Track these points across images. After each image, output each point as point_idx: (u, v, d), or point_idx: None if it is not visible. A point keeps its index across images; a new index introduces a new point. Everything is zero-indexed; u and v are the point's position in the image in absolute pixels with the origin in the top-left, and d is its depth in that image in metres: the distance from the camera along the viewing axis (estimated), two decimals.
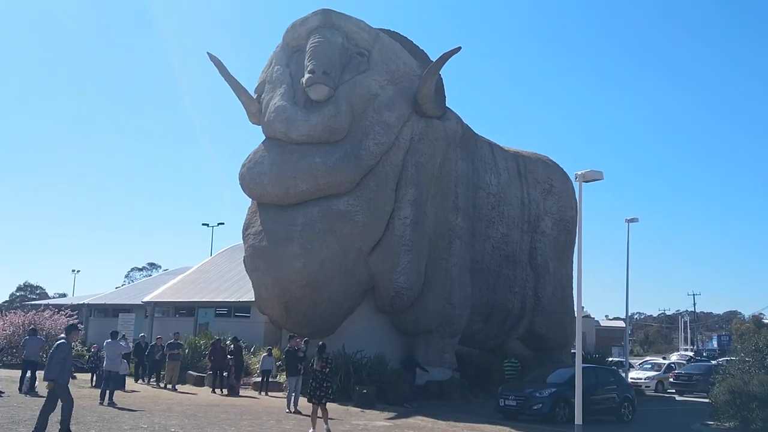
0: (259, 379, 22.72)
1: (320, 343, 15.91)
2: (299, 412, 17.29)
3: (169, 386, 23.01)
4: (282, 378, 22.33)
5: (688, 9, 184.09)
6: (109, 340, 19.41)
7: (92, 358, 24.43)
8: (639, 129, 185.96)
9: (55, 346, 12.05)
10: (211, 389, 22.62)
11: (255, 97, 23.39)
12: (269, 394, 21.85)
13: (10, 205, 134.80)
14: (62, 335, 12.65)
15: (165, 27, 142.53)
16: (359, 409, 18.61)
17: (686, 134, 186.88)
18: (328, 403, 14.57)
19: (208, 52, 23.33)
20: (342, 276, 20.91)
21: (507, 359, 24.79)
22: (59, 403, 11.81)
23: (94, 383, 22.91)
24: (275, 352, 23.54)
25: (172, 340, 24.22)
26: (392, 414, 18.00)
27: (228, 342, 23.87)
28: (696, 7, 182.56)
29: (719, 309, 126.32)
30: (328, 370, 14.87)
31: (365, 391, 19.61)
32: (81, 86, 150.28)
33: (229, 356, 22.83)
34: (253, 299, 23.70)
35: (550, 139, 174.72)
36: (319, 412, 14.35)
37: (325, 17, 22.04)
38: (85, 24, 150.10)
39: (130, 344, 26.40)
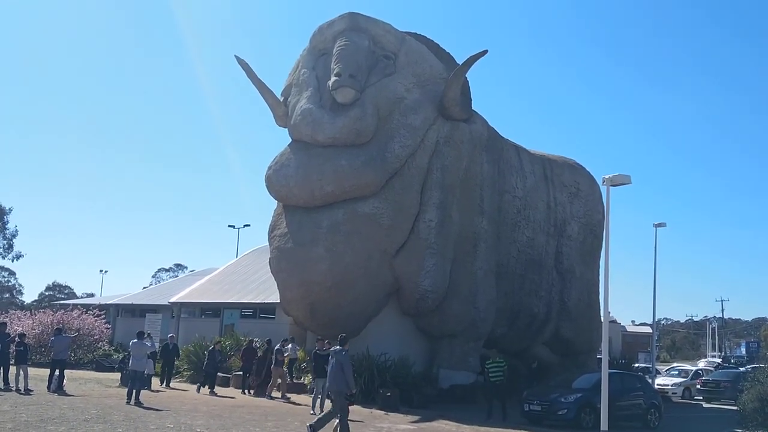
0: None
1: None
2: None
3: (277, 396, 21.17)
4: (307, 380, 22.40)
5: (727, 1, 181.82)
6: (135, 340, 19.60)
7: (125, 359, 24.62)
8: (669, 131, 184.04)
9: None
10: (241, 390, 22.65)
11: (282, 99, 23.52)
12: (291, 396, 21.85)
13: (40, 206, 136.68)
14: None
15: (191, 32, 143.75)
16: (383, 412, 18.58)
17: (717, 133, 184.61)
18: (351, 406, 14.63)
19: (235, 55, 23.52)
20: (367, 278, 20.93)
21: (491, 360, 20.36)
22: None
23: (122, 382, 23.12)
24: (300, 353, 23.60)
25: (278, 346, 21.94)
26: (416, 417, 17.96)
27: (260, 344, 23.85)
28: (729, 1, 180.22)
29: (748, 315, 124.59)
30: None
31: (389, 394, 19.59)
32: (109, 88, 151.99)
33: (256, 358, 22.83)
34: (278, 301, 23.79)
35: (576, 141, 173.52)
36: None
37: (351, 21, 22.10)
38: (111, 31, 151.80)
39: (156, 344, 26.59)
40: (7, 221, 62.06)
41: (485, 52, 22.01)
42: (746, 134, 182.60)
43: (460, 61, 22.77)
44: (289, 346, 24.02)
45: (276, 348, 21.57)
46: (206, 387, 22.29)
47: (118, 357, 30.98)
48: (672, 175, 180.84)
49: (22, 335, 22.37)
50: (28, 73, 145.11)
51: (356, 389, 15.59)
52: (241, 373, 23.23)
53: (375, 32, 22.23)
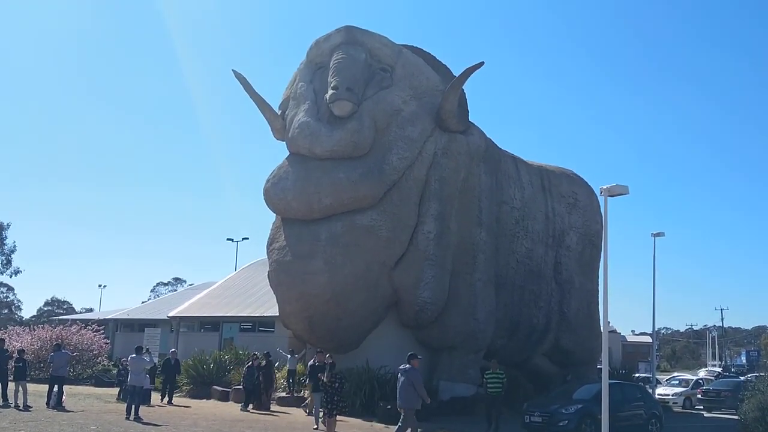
0: (285, 394, 22.69)
1: (330, 361, 16.70)
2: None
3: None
4: (306, 393, 22.34)
5: (718, 20, 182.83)
6: (134, 355, 19.55)
7: (121, 373, 24.54)
8: (665, 141, 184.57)
9: None
10: (242, 404, 22.55)
11: (279, 113, 23.57)
12: (286, 409, 21.78)
13: (38, 222, 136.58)
14: None
15: (186, 48, 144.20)
16: (383, 425, 18.54)
17: (713, 147, 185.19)
18: (351, 418, 14.70)
19: (233, 70, 23.57)
20: (366, 291, 20.91)
21: (490, 371, 19.84)
22: None
23: (121, 397, 23.05)
24: (299, 367, 23.56)
25: (312, 362, 19.94)
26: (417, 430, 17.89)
27: (260, 358, 23.79)
28: (727, 19, 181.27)
29: (747, 324, 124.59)
30: (337, 384, 15.56)
31: (389, 407, 19.51)
32: (105, 105, 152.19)
33: (258, 372, 22.74)
34: (278, 314, 23.77)
35: (574, 153, 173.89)
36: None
37: (348, 34, 22.18)
38: (108, 51, 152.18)
39: (155, 359, 26.50)
40: (6, 237, 62.14)
41: (482, 64, 22.11)
42: (739, 146, 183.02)
43: (456, 73, 22.85)
44: (289, 358, 24.01)
45: (309, 364, 20.33)
46: (251, 405, 21.95)
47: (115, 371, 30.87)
48: (671, 185, 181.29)
49: (21, 351, 22.35)
50: (28, 92, 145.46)
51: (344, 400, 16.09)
52: (240, 387, 23.17)
53: (371, 45, 22.31)
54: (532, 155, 28.67)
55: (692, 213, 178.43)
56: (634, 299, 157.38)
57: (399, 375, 14.79)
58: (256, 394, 22.20)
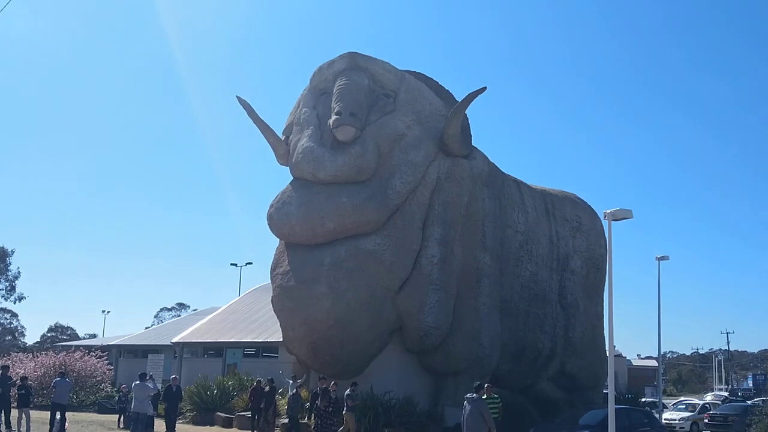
0: (286, 420, 22.50)
1: (324, 386, 16.75)
2: None
3: None
4: (307, 419, 22.19)
5: (718, 49, 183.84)
6: (138, 381, 19.46)
7: (121, 399, 24.42)
8: (668, 165, 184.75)
9: None
10: (250, 431, 22.34)
11: (283, 138, 23.67)
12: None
13: (42, 248, 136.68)
14: None
15: (190, 73, 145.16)
16: None
17: (715, 170, 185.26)
18: None
19: (237, 96, 23.70)
20: (370, 315, 20.82)
21: (485, 396, 18.59)
22: None
23: (122, 425, 22.91)
24: (303, 393, 23.42)
25: (348, 391, 19.66)
26: None
27: (264, 384, 23.68)
28: (726, 47, 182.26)
29: (753, 347, 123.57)
30: (331, 408, 15.69)
31: None
32: (110, 127, 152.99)
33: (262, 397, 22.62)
34: (281, 339, 23.66)
35: (577, 177, 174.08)
36: None
37: (351, 60, 22.33)
38: (111, 76, 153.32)
39: (158, 385, 26.35)
40: (10, 263, 62.31)
41: (484, 89, 22.19)
42: (741, 170, 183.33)
43: (459, 98, 22.93)
44: (290, 382, 23.86)
45: (346, 393, 19.57)
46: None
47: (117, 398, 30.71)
48: (674, 209, 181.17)
49: (24, 378, 22.30)
50: (32, 117, 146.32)
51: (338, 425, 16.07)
52: (244, 413, 23.04)
53: (374, 71, 22.45)
54: (535, 179, 28.68)
55: (696, 237, 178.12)
56: (639, 323, 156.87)
57: (465, 404, 15.00)
58: (260, 418, 22.03)
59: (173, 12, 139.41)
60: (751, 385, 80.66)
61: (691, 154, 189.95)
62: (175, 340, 39.96)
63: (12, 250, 63.31)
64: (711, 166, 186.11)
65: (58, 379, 21.75)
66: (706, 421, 31.47)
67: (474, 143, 23.87)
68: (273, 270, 22.58)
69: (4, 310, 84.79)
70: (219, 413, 25.49)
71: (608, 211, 15.33)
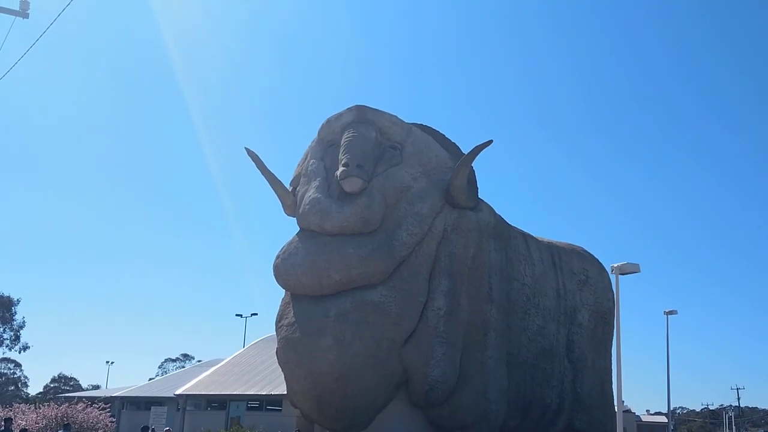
0: None
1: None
2: None
3: None
4: None
5: (728, 100, 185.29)
6: None
7: None
8: (676, 219, 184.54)
9: None
10: None
11: (290, 189, 23.77)
12: None
13: (45, 296, 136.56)
14: None
15: (202, 121, 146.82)
16: None
17: (724, 225, 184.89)
18: None
19: (245, 147, 23.86)
20: (375, 369, 20.59)
21: None
22: None
23: None
24: None
25: None
26: None
27: None
28: (735, 97, 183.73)
29: (764, 404, 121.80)
30: None
31: None
32: (113, 178, 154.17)
33: None
34: (285, 392, 23.39)
35: (585, 230, 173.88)
36: None
37: (359, 113, 22.54)
38: (118, 119, 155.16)
39: None
40: (15, 312, 62.10)
41: (490, 142, 22.33)
42: (749, 224, 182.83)
43: (465, 150, 23.06)
44: None
45: None
46: None
47: None
48: (683, 264, 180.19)
49: (24, 430, 22.02)
50: (36, 164, 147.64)
51: None
52: None
53: (382, 124, 22.64)
54: (540, 232, 28.60)
55: (705, 292, 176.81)
56: (649, 378, 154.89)
57: None
58: None
59: (183, 53, 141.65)
60: None
61: (703, 206, 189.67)
62: (178, 392, 39.56)
63: (18, 299, 63.22)
64: (723, 220, 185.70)
65: (61, 431, 21.49)
66: None
67: (480, 195, 23.92)
68: (278, 321, 22.43)
69: (8, 360, 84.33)
70: None
71: (616, 265, 15.30)
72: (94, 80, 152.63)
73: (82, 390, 76.34)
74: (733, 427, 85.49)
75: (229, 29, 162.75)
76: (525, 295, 25.24)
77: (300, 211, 22.38)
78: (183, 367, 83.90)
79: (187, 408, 39.19)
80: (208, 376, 40.55)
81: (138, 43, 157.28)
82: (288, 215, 23.84)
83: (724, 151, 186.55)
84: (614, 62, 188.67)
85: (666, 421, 51.98)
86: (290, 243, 22.51)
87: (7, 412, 30.68)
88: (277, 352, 22.32)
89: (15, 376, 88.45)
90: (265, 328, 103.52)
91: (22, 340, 63.03)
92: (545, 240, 28.25)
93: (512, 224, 26.13)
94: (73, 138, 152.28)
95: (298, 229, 22.77)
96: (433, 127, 24.84)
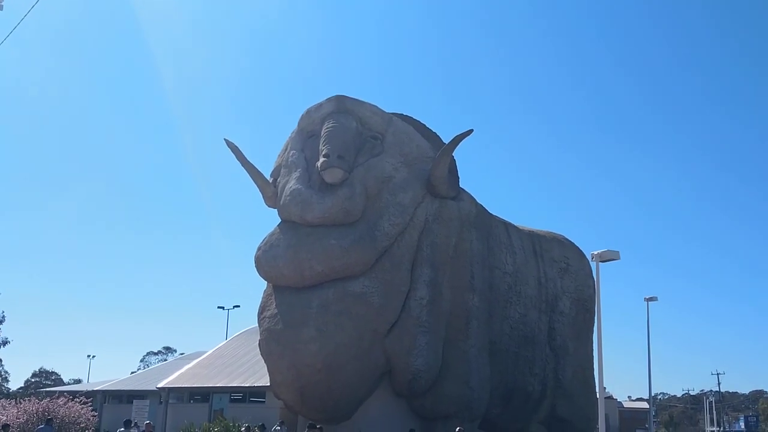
0: None
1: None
2: None
3: None
4: None
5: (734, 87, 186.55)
6: (122, 429, 19.13)
7: None
8: (658, 207, 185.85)
9: None
10: None
11: (271, 180, 23.66)
12: None
13: (24, 291, 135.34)
14: None
15: (180, 113, 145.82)
16: None
17: (707, 205, 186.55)
18: None
19: (225, 138, 23.74)
20: (358, 359, 20.60)
21: None
22: None
23: None
24: None
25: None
26: None
27: (252, 429, 23.24)
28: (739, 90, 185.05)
29: (745, 388, 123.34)
30: None
31: None
32: (94, 173, 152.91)
33: None
34: (269, 384, 23.35)
35: (564, 217, 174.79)
36: None
37: (339, 103, 22.46)
38: (99, 115, 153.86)
39: None
40: None
41: (471, 131, 22.36)
42: (736, 206, 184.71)
43: (446, 139, 23.07)
44: (278, 428, 23.46)
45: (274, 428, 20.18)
46: None
47: None
48: (663, 247, 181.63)
49: (6, 426, 21.86)
50: (22, 160, 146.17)
51: None
52: None
53: (362, 114, 22.58)
54: (521, 221, 28.71)
55: (686, 277, 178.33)
56: (630, 364, 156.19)
57: None
58: None
59: (167, 53, 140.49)
60: (743, 426, 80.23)
61: (685, 188, 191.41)
62: (160, 385, 39.38)
63: None
64: (707, 199, 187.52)
65: (42, 426, 21.33)
66: None
67: (461, 185, 23.95)
68: (260, 313, 22.36)
69: None
70: None
71: (596, 253, 15.38)
72: (70, 71, 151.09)
73: (64, 384, 75.89)
74: (714, 412, 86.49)
75: (207, 20, 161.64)
76: (507, 284, 25.35)
77: (281, 202, 22.29)
78: (165, 360, 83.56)
79: (170, 401, 39.04)
80: (191, 368, 40.40)
81: (114, 35, 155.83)
82: (269, 206, 23.73)
83: (710, 134, 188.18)
84: (603, 47, 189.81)
85: (647, 407, 52.50)
86: (271, 234, 22.42)
87: None
88: (259, 343, 22.27)
89: None
90: (248, 320, 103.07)
91: (2, 334, 62.08)
92: (526, 228, 28.37)
93: (493, 213, 26.19)
94: (50, 132, 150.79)
95: (279, 220, 22.70)
96: (413, 117, 24.84)
